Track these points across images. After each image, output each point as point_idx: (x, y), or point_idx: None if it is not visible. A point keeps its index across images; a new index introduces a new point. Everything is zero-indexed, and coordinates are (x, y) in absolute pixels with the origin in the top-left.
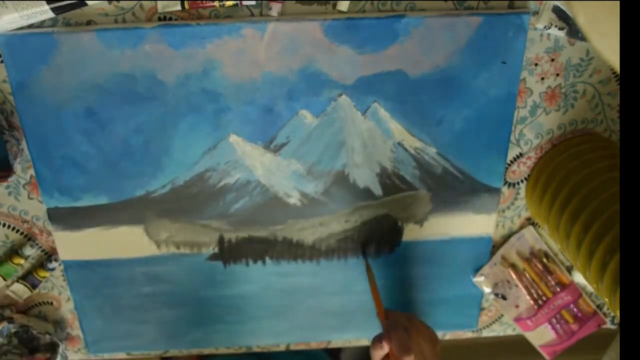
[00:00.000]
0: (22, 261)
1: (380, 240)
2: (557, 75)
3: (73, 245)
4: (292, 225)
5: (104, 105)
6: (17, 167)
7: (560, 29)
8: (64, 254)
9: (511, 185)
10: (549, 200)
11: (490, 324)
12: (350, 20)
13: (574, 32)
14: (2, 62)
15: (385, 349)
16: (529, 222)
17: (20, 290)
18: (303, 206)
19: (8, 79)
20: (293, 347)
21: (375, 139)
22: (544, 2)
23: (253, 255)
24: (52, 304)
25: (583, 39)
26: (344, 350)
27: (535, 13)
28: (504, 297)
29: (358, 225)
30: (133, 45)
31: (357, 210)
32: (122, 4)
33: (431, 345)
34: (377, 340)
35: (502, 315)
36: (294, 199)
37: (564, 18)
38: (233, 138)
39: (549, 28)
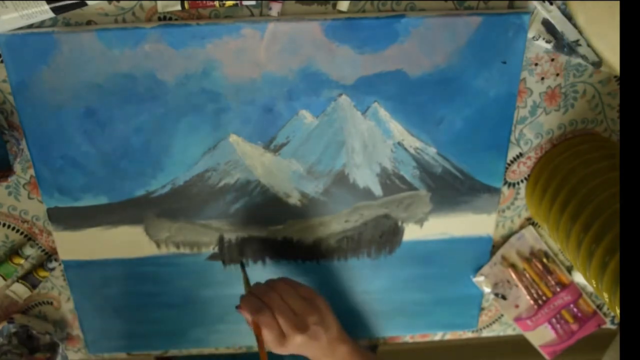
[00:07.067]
0: (22, 261)
1: (380, 240)
2: (557, 75)
3: (73, 245)
4: (292, 225)
5: (104, 105)
6: (17, 167)
7: (548, 42)
8: (64, 254)
9: (511, 185)
10: (549, 200)
11: (490, 324)
12: (350, 20)
13: (560, 46)
14: (2, 62)
15: (244, 314)
16: (529, 222)
17: (20, 290)
18: (303, 206)
19: (8, 79)
20: None
21: (375, 139)
22: (534, 14)
23: (253, 255)
24: (52, 304)
25: (569, 53)
26: None
27: None
28: (504, 297)
29: (358, 225)
30: (133, 45)
31: (357, 210)
32: (122, 4)
33: (299, 299)
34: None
35: (502, 315)
36: (294, 199)
37: (552, 32)
38: (233, 138)
39: (537, 39)
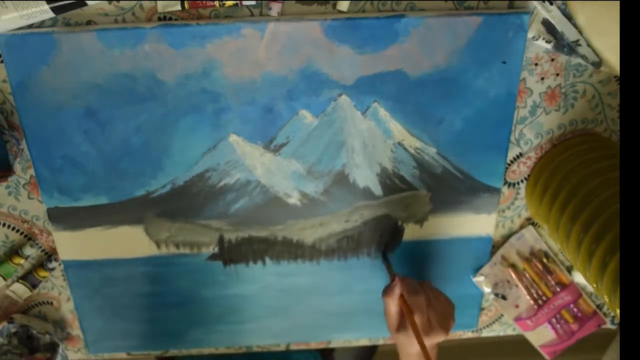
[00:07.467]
0: (22, 261)
1: (380, 240)
2: (557, 75)
3: (73, 245)
4: (292, 225)
5: (104, 105)
6: (17, 167)
7: (548, 42)
8: (64, 254)
9: (511, 185)
10: (549, 200)
11: (490, 324)
12: (350, 20)
13: (560, 46)
14: (2, 62)
15: (396, 289)
16: (529, 222)
17: (20, 290)
18: (303, 206)
19: (8, 79)
20: (293, 347)
21: (375, 139)
22: (534, 14)
23: (253, 255)
24: (52, 304)
25: (569, 53)
26: (336, 350)
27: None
28: (504, 297)
29: (358, 225)
30: (133, 45)
31: (357, 210)
32: (122, 4)
33: (445, 303)
34: (389, 284)
35: (502, 315)
36: (294, 199)
37: (552, 32)
38: (233, 138)
39: (537, 39)
